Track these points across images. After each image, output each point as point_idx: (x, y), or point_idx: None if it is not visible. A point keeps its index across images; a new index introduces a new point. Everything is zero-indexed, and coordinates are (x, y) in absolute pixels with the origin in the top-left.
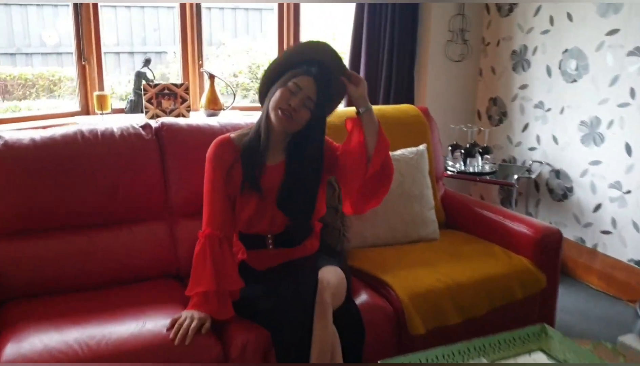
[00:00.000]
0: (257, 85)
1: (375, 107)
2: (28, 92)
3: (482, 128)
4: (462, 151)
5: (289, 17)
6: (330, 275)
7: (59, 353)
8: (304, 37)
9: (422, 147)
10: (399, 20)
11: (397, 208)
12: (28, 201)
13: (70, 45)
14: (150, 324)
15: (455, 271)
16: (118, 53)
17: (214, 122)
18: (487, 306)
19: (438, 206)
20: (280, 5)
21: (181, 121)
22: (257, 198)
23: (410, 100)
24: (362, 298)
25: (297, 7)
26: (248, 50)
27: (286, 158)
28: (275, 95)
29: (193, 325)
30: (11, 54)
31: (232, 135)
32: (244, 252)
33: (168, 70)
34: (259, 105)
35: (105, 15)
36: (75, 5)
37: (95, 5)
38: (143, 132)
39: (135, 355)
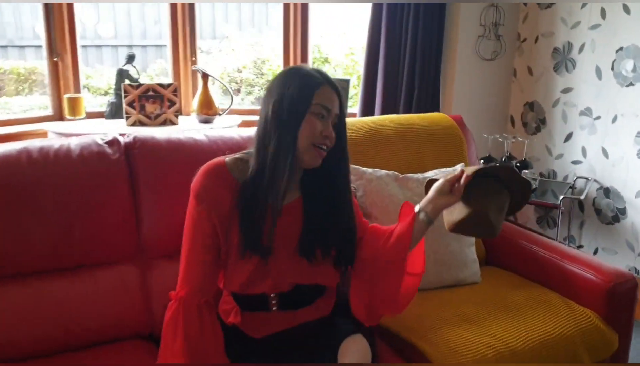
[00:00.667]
0: (262, 80)
1: (401, 117)
2: (20, 87)
3: (520, 138)
4: (485, 162)
5: (296, 11)
6: (353, 352)
7: None
8: (312, 32)
9: (458, 167)
10: (424, 13)
11: (430, 246)
12: None
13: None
14: None
15: (507, 331)
16: (116, 46)
17: (200, 135)
18: None
19: (477, 240)
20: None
21: (159, 135)
22: (263, 255)
23: (436, 105)
24: None
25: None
26: (253, 45)
27: (303, 194)
28: (304, 128)
29: None
30: (3, 47)
31: (227, 159)
32: (237, 313)
33: (168, 65)
34: (259, 107)
35: (102, 5)
36: None
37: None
38: (109, 151)
39: None
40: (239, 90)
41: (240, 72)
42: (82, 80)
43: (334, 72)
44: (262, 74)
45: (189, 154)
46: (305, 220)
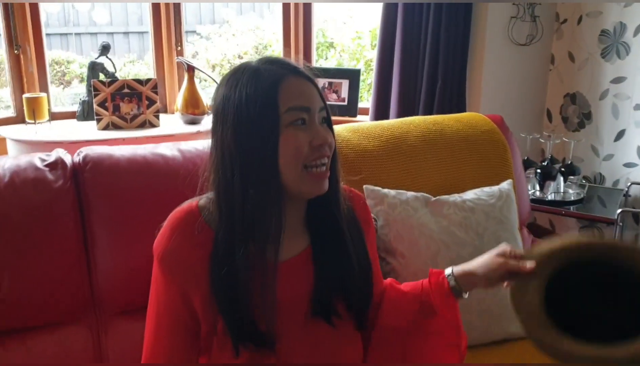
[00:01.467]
0: None
1: (428, 119)
2: None
3: (566, 138)
4: (538, 170)
5: None
6: None
7: None
8: (315, 16)
9: (505, 185)
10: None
11: (474, 294)
12: None
13: None
14: None
15: None
16: (112, 33)
17: (174, 151)
18: None
19: None
20: None
21: (117, 152)
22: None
23: (462, 97)
24: None
25: None
26: (254, 29)
27: (312, 239)
28: (283, 151)
29: None
30: None
31: (202, 202)
32: None
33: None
34: None
35: None
36: None
37: None
38: (50, 176)
39: None
40: None
41: (241, 58)
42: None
43: (340, 58)
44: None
45: (157, 177)
46: (317, 271)
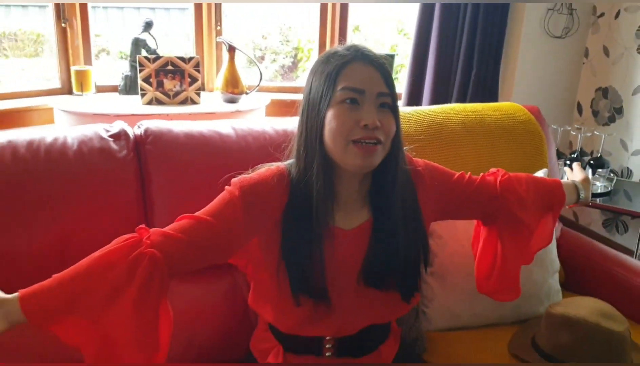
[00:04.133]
0: (287, 48)
1: (468, 107)
2: (21, 52)
3: (597, 132)
4: (568, 162)
5: None
6: None
7: None
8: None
9: (541, 173)
10: None
11: None
12: None
13: None
14: None
15: None
16: (138, 8)
17: (227, 129)
18: None
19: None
20: None
21: (177, 127)
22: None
23: (495, 86)
24: None
25: None
26: (279, 9)
27: (373, 215)
28: (328, 126)
29: None
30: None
31: (287, 165)
32: (279, 353)
33: (193, 36)
34: (292, 83)
35: None
36: None
37: None
38: (114, 146)
39: None
40: (263, 58)
41: (265, 38)
42: (102, 45)
43: (379, 48)
44: (288, 41)
45: (213, 153)
46: (370, 245)
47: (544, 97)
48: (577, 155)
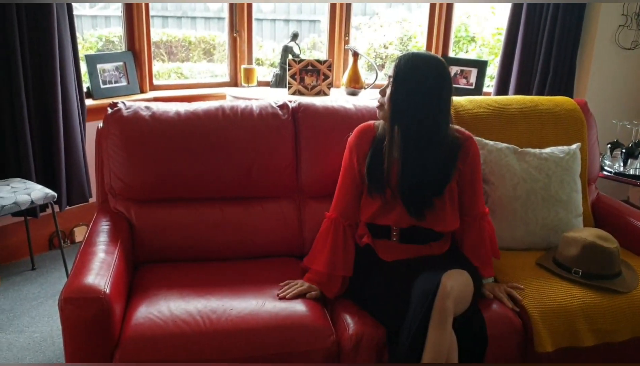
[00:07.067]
0: None
1: (526, 98)
2: (191, 54)
3: None
4: (623, 150)
5: None
6: (455, 279)
7: (182, 322)
8: (456, 13)
9: (574, 146)
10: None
11: (539, 212)
12: (169, 171)
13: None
14: (270, 304)
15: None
16: (274, 20)
17: (349, 104)
18: (629, 333)
19: (587, 213)
20: None
21: (318, 102)
22: (382, 194)
23: (569, 91)
24: (489, 307)
25: None
26: (401, 21)
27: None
28: None
29: (300, 289)
30: (177, 17)
31: (376, 123)
32: (368, 236)
33: (320, 39)
34: None
35: None
36: None
37: None
38: (280, 112)
39: (252, 334)
40: (383, 66)
41: (386, 48)
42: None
43: (479, 51)
44: (408, 51)
45: (340, 119)
46: (401, 174)
47: (613, 99)
48: (631, 145)
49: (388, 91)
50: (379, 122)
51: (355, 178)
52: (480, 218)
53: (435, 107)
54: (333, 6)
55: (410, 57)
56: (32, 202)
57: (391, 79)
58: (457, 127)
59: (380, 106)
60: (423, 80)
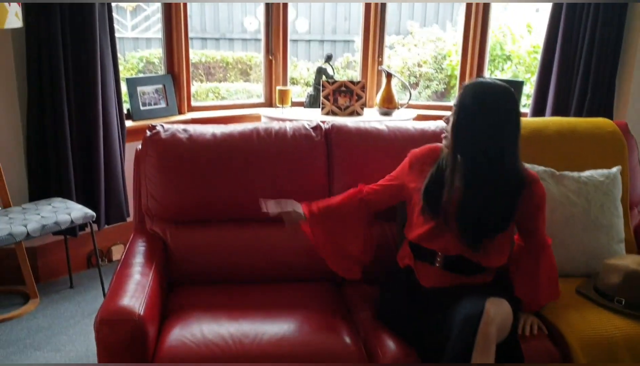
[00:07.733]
0: (441, 75)
1: (564, 120)
2: (228, 75)
3: None
4: None
5: (477, 11)
6: (498, 307)
7: (215, 346)
8: (490, 31)
9: (615, 169)
10: (602, 18)
11: (579, 237)
12: (205, 193)
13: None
14: (304, 328)
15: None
16: (309, 41)
17: (382, 125)
18: None
19: (629, 238)
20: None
21: (350, 123)
22: (435, 217)
23: (609, 113)
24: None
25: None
26: (435, 40)
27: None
28: None
29: (289, 209)
30: (216, 39)
31: (444, 147)
32: (410, 257)
33: (354, 58)
34: (437, 102)
35: (300, 5)
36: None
37: (285, 4)
38: (313, 134)
39: (282, 361)
40: (417, 84)
41: (420, 66)
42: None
43: (515, 69)
44: (442, 69)
45: (372, 140)
46: (461, 201)
47: None
48: None
49: (451, 119)
50: (443, 146)
51: (399, 183)
52: (540, 248)
53: (499, 138)
54: (367, 27)
55: (475, 85)
56: (72, 221)
57: (455, 108)
58: (526, 165)
59: (445, 134)
60: (487, 110)
